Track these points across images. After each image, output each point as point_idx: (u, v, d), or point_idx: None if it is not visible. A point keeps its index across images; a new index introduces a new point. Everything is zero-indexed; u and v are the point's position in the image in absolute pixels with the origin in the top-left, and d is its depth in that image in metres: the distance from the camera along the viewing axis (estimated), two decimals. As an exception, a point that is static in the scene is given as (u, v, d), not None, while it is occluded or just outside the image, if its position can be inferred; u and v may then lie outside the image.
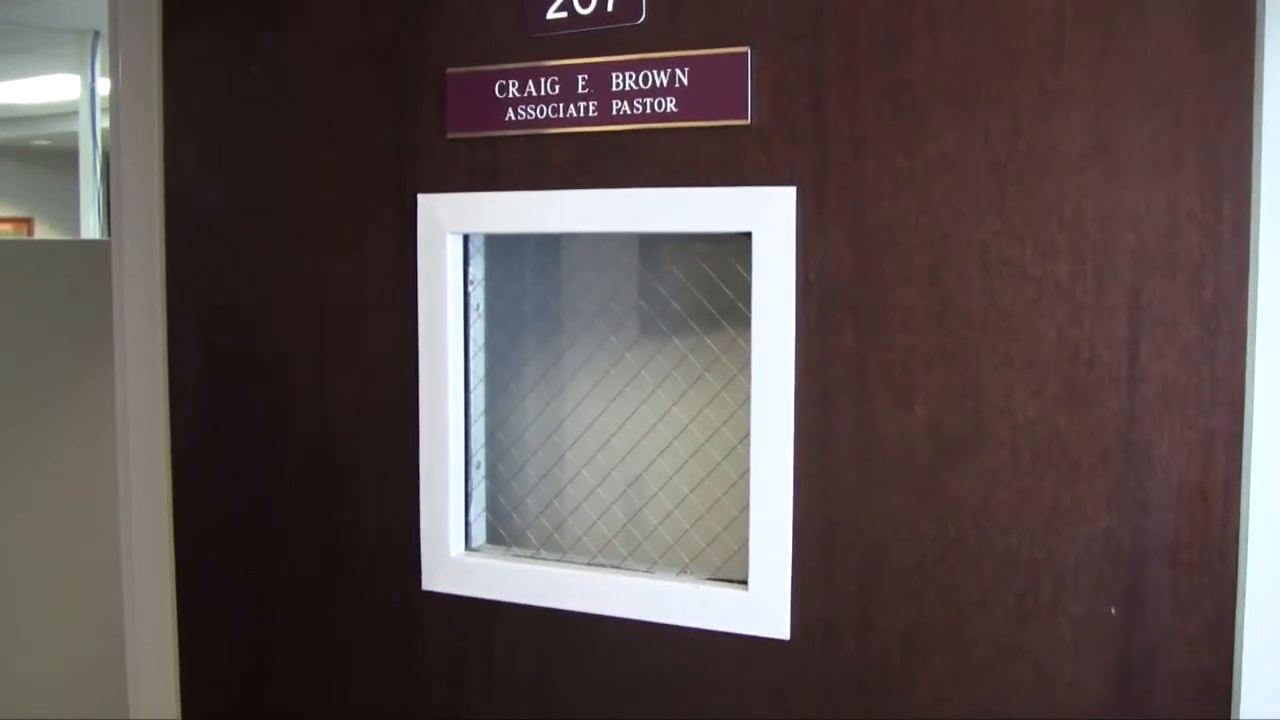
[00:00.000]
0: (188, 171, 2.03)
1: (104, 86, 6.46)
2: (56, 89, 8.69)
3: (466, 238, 1.81)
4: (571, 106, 1.70)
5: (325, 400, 1.93)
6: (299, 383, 1.95)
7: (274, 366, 1.97)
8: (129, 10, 2.08)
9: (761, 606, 1.63)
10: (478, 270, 1.83)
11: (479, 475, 1.86)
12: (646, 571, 1.75)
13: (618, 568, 1.77)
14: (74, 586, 3.81)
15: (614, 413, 1.84)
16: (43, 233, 12.90)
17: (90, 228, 5.55)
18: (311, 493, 1.96)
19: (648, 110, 1.65)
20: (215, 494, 2.04)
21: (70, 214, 11.71)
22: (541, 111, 1.72)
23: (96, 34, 6.69)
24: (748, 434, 1.62)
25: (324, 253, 1.91)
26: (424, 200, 1.80)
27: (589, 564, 1.79)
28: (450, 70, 1.77)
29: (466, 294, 1.82)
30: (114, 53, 2.11)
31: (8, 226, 12.88)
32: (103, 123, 5.81)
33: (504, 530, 1.90)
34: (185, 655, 2.12)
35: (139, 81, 2.06)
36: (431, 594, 1.86)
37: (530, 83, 1.72)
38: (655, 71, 1.64)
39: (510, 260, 1.88)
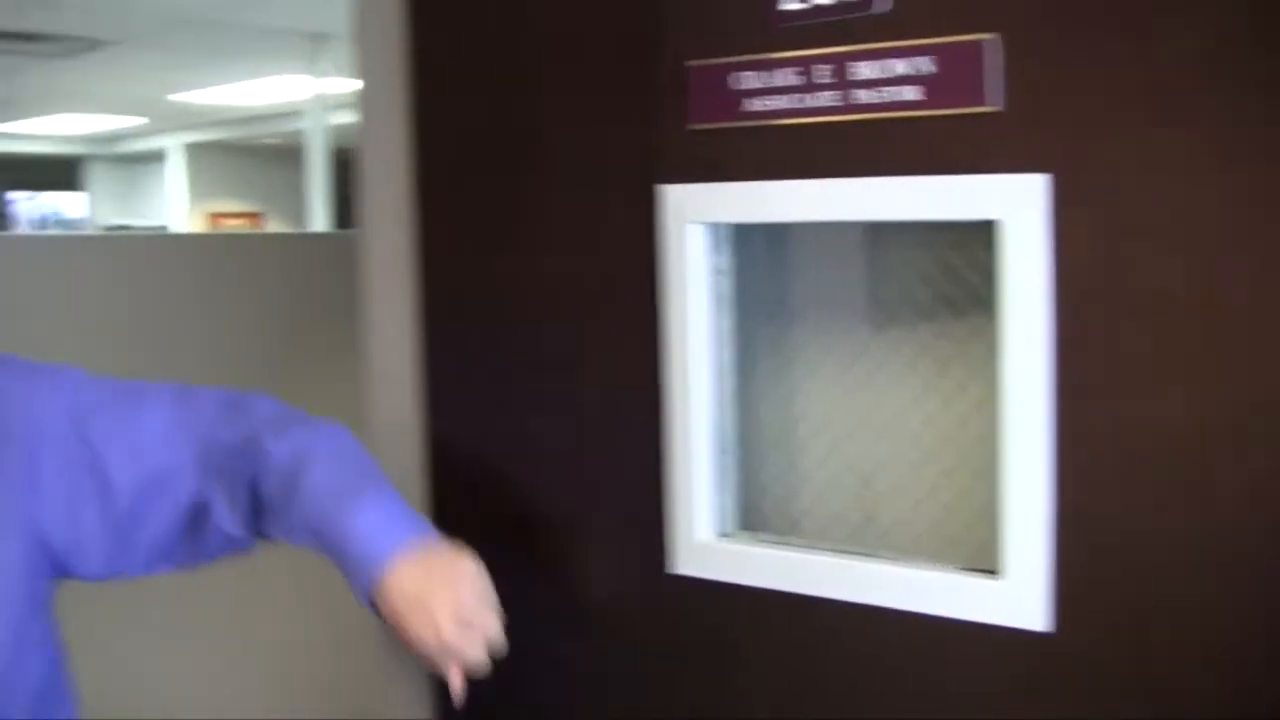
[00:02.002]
0: (432, 167, 2.10)
1: (331, 86, 6.67)
2: (285, 90, 9.05)
3: (709, 227, 1.83)
4: (812, 96, 1.71)
5: (572, 389, 1.98)
6: (544, 374, 2.01)
7: (519, 357, 2.03)
8: (374, 9, 2.15)
9: (1016, 596, 1.61)
10: (723, 260, 1.85)
11: (727, 461, 1.89)
12: (894, 559, 1.75)
13: (866, 555, 1.77)
14: (315, 580, 3.96)
15: (859, 401, 1.85)
16: (273, 226, 13.42)
17: (318, 221, 5.76)
18: (556, 480, 2.01)
19: (891, 99, 1.65)
20: (464, 484, 2.11)
21: (297, 208, 12.19)
22: (782, 102, 1.73)
23: (323, 36, 6.94)
24: (997, 422, 1.60)
25: (568, 244, 1.96)
26: (665, 191, 1.83)
27: (836, 550, 1.80)
28: (689, 63, 1.79)
29: (711, 283, 1.84)
30: (359, 51, 2.18)
31: (240, 221, 13.44)
32: (330, 120, 6.04)
33: (750, 516, 1.92)
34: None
35: (384, 78, 2.14)
36: (677, 577, 1.89)
37: (771, 74, 1.73)
38: (899, 60, 1.64)
39: (755, 250, 1.89)
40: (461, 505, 2.11)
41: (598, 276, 1.94)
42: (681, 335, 1.84)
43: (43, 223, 16.86)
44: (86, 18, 6.57)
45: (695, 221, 1.81)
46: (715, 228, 1.84)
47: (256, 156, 13.15)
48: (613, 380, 1.94)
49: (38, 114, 11.58)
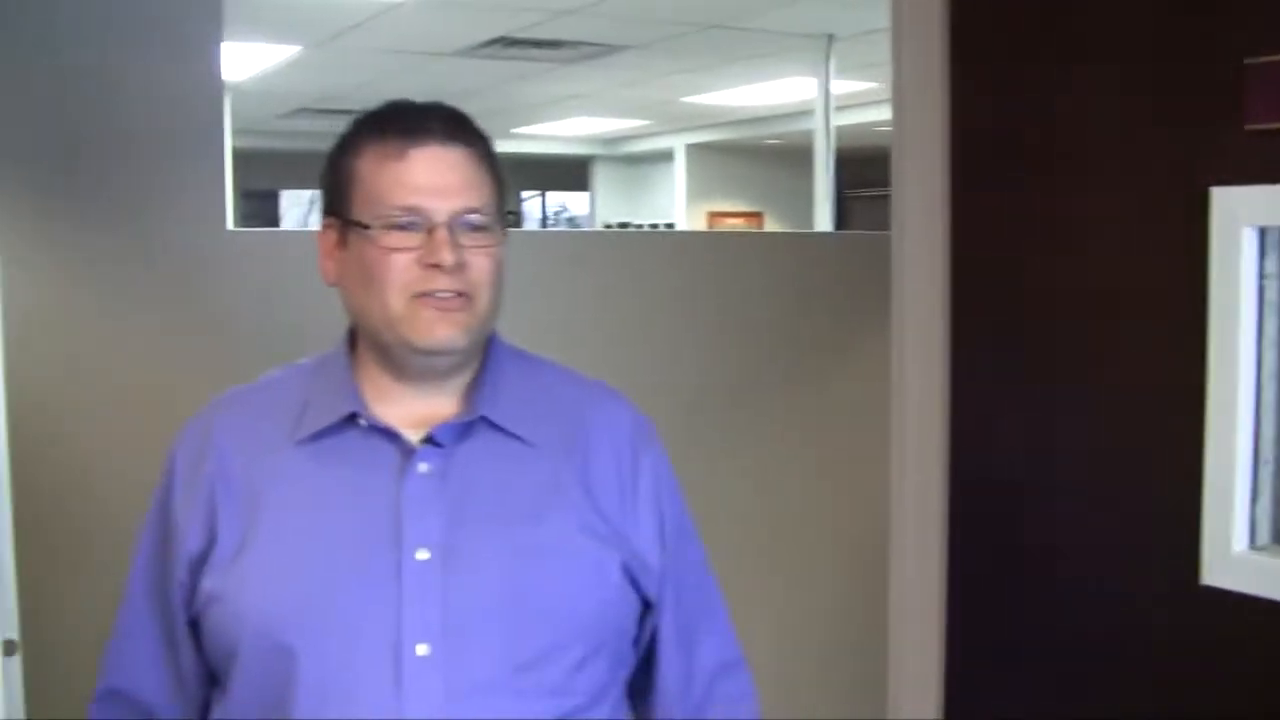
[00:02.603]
0: (966, 168, 2.13)
1: (838, 88, 6.80)
2: (790, 91, 9.27)
3: (1260, 230, 1.77)
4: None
5: (1099, 393, 1.97)
6: (1068, 375, 2.00)
7: (1055, 353, 2.03)
8: (914, 9, 2.20)
9: None
10: (1271, 264, 1.79)
11: (1264, 471, 1.83)
12: None
13: None
14: (842, 560, 4.07)
15: None
16: (771, 226, 13.76)
17: (823, 221, 5.89)
18: (1082, 483, 2.00)
19: None
20: (989, 475, 2.13)
21: (793, 208, 12.47)
22: (1349, 99, 1.66)
23: (830, 37, 7.07)
24: None
25: (1104, 245, 1.94)
26: (1218, 194, 1.79)
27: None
28: (1248, 60, 1.74)
29: (1261, 288, 1.79)
30: (897, 54, 2.24)
31: (740, 220, 13.87)
32: (836, 122, 6.17)
33: (1288, 530, 1.85)
34: (951, 650, 2.21)
35: (921, 80, 2.18)
36: (1210, 589, 1.84)
37: (1339, 70, 1.66)
38: None
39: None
40: (979, 505, 2.13)
41: (1133, 278, 1.91)
42: (1226, 340, 1.79)
43: (552, 220, 18.05)
44: (606, 24, 6.97)
45: (1249, 224, 1.76)
46: (1264, 231, 1.78)
47: (754, 157, 13.52)
48: (1144, 385, 1.91)
49: (553, 118, 12.31)
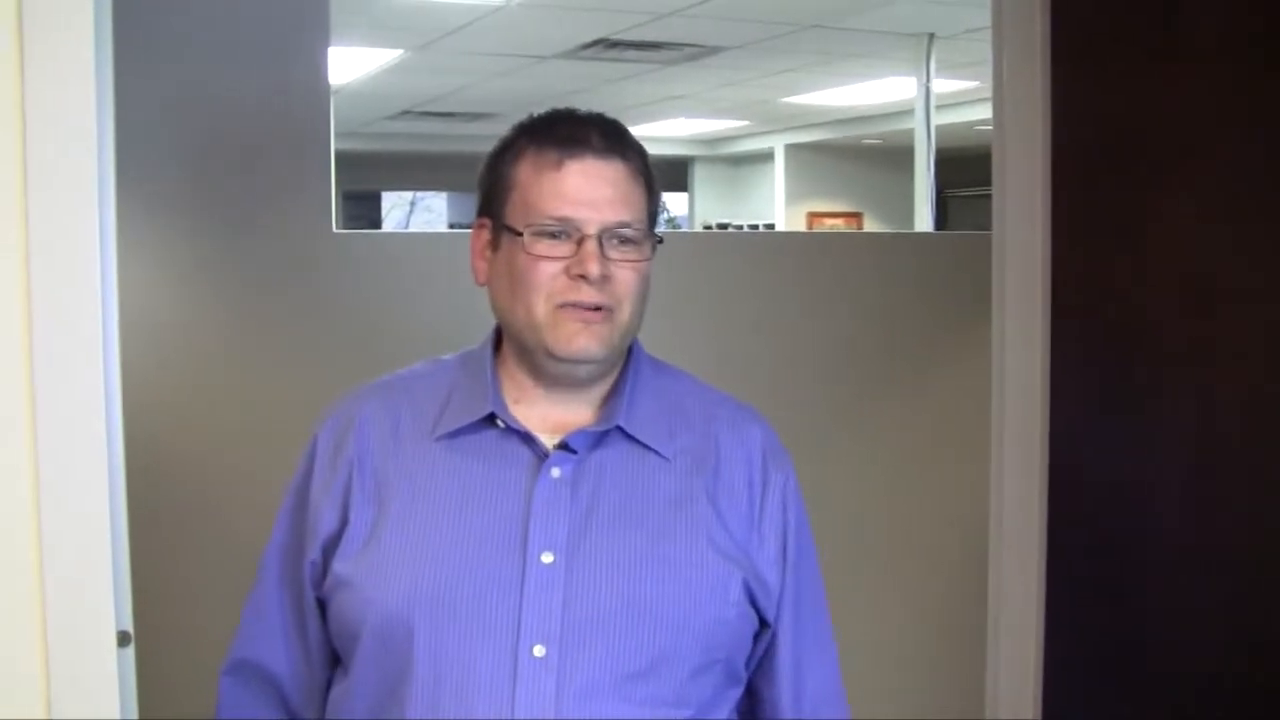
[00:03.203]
0: (1069, 167, 2.12)
1: (938, 86, 6.75)
2: (890, 91, 9.21)
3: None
4: None
5: (1206, 390, 1.94)
6: (1172, 374, 1.98)
7: (1153, 353, 2.01)
8: (1015, 8, 2.19)
9: None
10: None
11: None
12: None
13: None
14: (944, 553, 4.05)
15: None
16: (870, 226, 13.67)
17: (922, 221, 5.85)
18: (1186, 485, 1.98)
19: None
20: (1088, 477, 2.12)
21: (892, 208, 12.39)
22: None
23: (931, 36, 7.02)
24: None
25: (1213, 248, 1.92)
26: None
27: None
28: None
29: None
30: (997, 50, 2.23)
31: (839, 220, 13.80)
32: (936, 121, 6.13)
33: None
34: (1049, 652, 2.20)
35: (1022, 79, 2.17)
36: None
37: None
38: None
39: None
40: (1079, 506, 2.12)
41: (1235, 279, 1.89)
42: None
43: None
44: (706, 25, 6.98)
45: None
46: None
47: (854, 157, 13.45)
48: (1246, 385, 1.89)
49: (653, 119, 12.33)
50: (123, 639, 1.81)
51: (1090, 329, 2.11)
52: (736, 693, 1.66)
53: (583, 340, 1.55)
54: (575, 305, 1.55)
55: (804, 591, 1.70)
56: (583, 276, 1.54)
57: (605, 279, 1.55)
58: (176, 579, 3.10)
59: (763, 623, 1.66)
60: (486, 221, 1.64)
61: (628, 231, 1.57)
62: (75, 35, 1.69)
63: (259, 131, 3.50)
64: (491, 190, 1.64)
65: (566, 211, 1.55)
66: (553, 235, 1.55)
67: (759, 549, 1.64)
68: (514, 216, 1.59)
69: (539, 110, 1.65)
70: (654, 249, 1.62)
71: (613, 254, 1.56)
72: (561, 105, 1.66)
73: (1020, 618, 2.22)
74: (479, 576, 1.53)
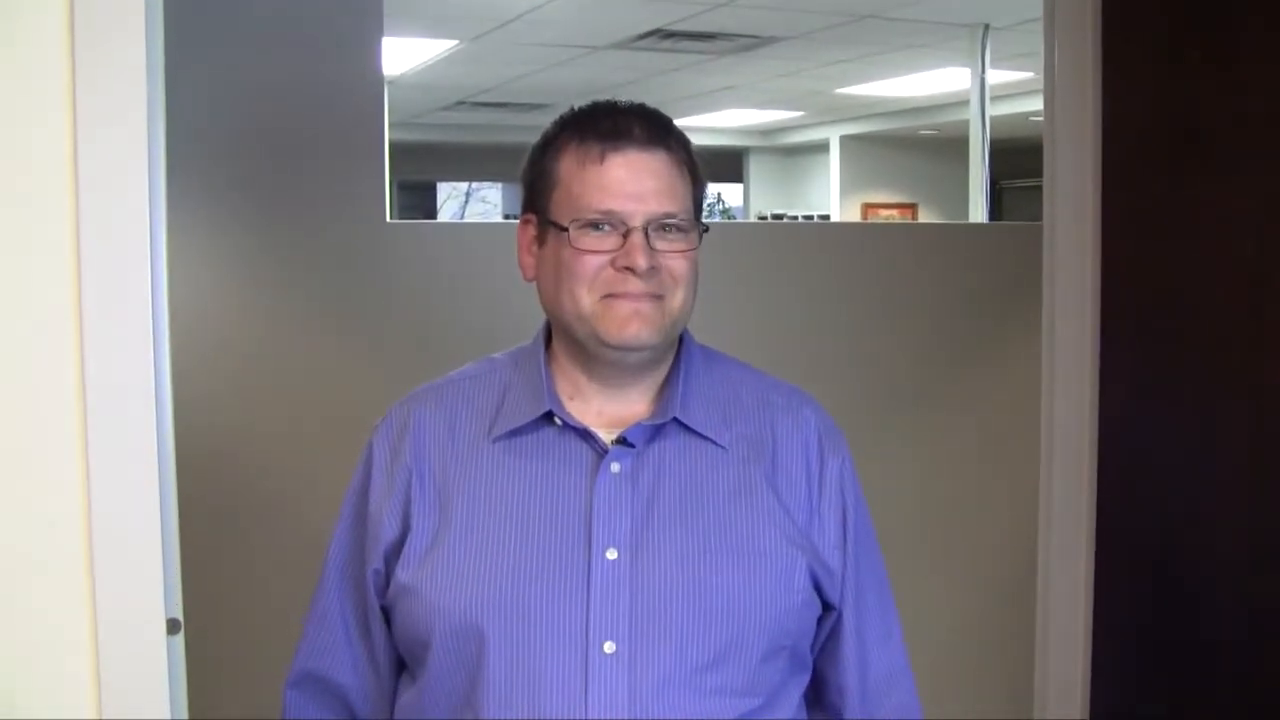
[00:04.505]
0: (1120, 160, 2.10)
1: (994, 78, 6.71)
2: (945, 82, 9.15)
3: None
4: None
5: (1258, 381, 1.92)
6: (1232, 365, 1.96)
7: (1206, 347, 1.99)
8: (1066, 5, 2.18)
9: None
10: None
11: None
12: None
13: None
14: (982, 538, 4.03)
15: None
16: (925, 217, 13.59)
17: (977, 213, 5.80)
18: (1236, 482, 1.96)
19: None
20: (1138, 473, 2.10)
21: (947, 199, 12.31)
22: None
23: (986, 27, 6.95)
24: None
25: (1264, 242, 1.90)
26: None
27: None
28: None
29: None
30: (1049, 42, 2.21)
31: (894, 211, 13.74)
32: (992, 112, 6.08)
33: None
34: (1097, 651, 2.18)
35: (1073, 71, 2.16)
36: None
37: None
38: None
39: None
40: (1128, 502, 2.10)
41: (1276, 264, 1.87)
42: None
43: (706, 212, 18.00)
44: (760, 15, 6.96)
45: None
46: None
47: (909, 148, 13.39)
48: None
49: (707, 110, 12.31)
50: (172, 626, 1.83)
51: (1142, 323, 2.09)
52: (804, 679, 1.66)
53: (635, 326, 1.55)
54: (624, 295, 1.54)
55: (865, 572, 1.70)
56: (630, 269, 1.53)
57: (653, 271, 1.54)
58: (224, 568, 3.12)
59: (826, 606, 1.66)
60: (532, 217, 1.64)
61: (674, 222, 1.57)
62: (127, 27, 1.70)
63: (313, 123, 3.52)
64: (535, 186, 1.63)
65: (611, 205, 1.54)
66: (598, 228, 1.55)
67: (820, 533, 1.63)
68: (559, 211, 1.58)
69: (580, 103, 1.64)
70: (700, 237, 1.61)
71: (659, 244, 1.55)
72: (616, 96, 1.65)
73: (1069, 618, 2.21)
74: (546, 577, 1.53)
